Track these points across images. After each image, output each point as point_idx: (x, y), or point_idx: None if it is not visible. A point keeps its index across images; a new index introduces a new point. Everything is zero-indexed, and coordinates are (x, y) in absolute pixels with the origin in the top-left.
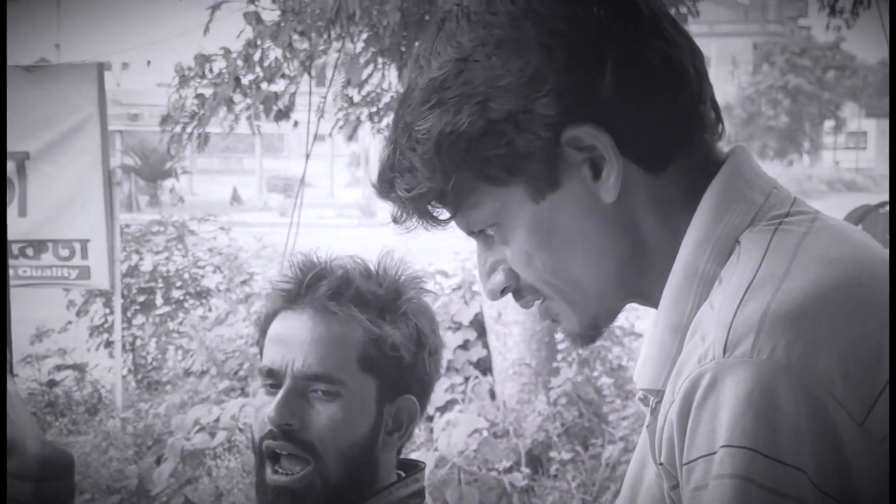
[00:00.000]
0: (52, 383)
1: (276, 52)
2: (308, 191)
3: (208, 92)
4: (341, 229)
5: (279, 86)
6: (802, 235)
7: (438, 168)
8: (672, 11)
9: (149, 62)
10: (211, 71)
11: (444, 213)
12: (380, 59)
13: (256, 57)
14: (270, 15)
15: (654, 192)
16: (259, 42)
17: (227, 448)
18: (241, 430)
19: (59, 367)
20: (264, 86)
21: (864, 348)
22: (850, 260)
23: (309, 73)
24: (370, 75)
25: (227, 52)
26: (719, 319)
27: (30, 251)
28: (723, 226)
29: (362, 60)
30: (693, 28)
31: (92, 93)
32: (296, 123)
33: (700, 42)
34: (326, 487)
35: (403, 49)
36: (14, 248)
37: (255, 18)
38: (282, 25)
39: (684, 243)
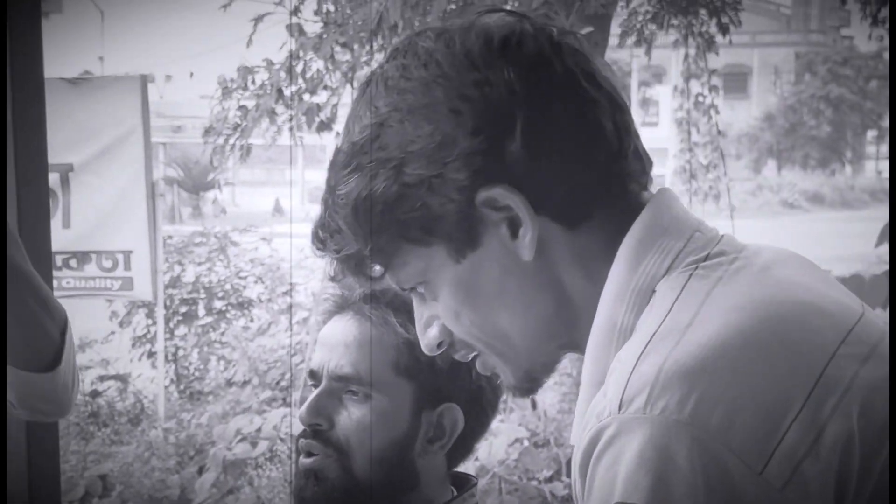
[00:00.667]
0: (94, 394)
1: (318, 64)
2: None
3: (251, 103)
4: None
5: (321, 97)
6: (716, 281)
7: (359, 231)
8: (713, 21)
9: (192, 74)
10: (253, 82)
11: (378, 271)
12: None
13: (299, 68)
14: (313, 27)
15: (575, 248)
16: (301, 53)
17: (268, 458)
18: (282, 440)
19: (102, 378)
20: (307, 97)
21: (762, 397)
22: (759, 305)
23: (351, 85)
24: None
25: (269, 63)
26: (619, 374)
27: (73, 262)
28: (638, 276)
29: None
30: (735, 38)
31: (135, 105)
32: (337, 134)
33: (742, 52)
34: (350, 477)
35: None
36: (58, 260)
37: (297, 30)
38: (324, 37)
39: (602, 298)
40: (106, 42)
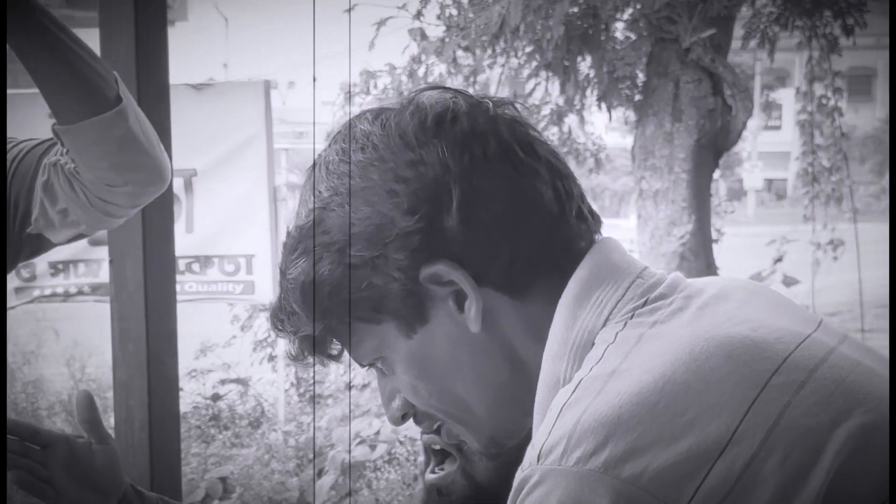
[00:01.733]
0: (216, 397)
1: (440, 68)
2: None
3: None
4: None
5: None
6: (650, 326)
7: (309, 313)
8: (838, 23)
9: (315, 79)
10: (375, 87)
11: (337, 349)
12: (542, 73)
13: (421, 73)
14: (435, 31)
15: (523, 315)
16: (423, 58)
17: (387, 461)
18: (401, 442)
19: (223, 381)
20: None
21: (682, 441)
22: (684, 346)
23: (473, 88)
24: (533, 89)
25: (391, 67)
26: (545, 424)
27: (196, 266)
28: (575, 332)
29: (525, 74)
30: (860, 40)
31: (258, 110)
32: None
33: (867, 54)
34: (472, 485)
35: (567, 63)
36: (181, 264)
37: (420, 34)
38: (446, 41)
39: (544, 357)
40: (230, 49)
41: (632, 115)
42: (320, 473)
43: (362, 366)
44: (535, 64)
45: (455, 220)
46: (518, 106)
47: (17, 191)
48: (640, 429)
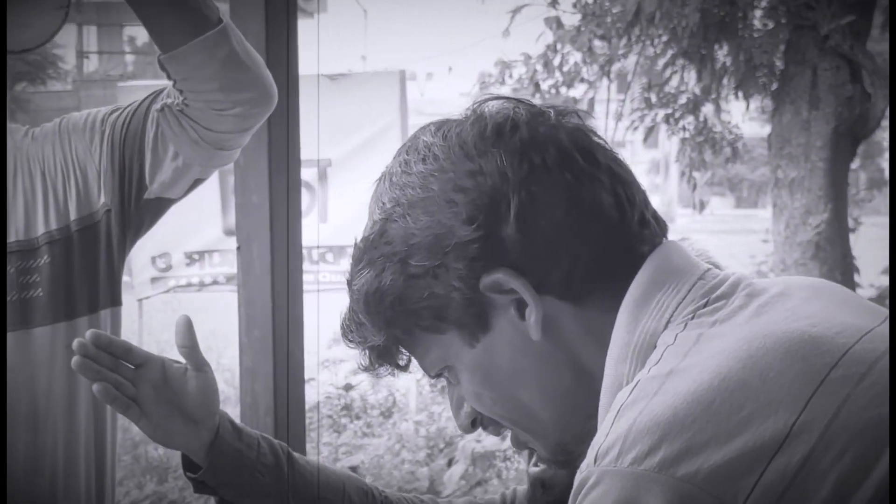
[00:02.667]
0: (348, 387)
1: (575, 57)
2: None
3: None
4: None
5: (578, 90)
6: (709, 326)
7: (375, 323)
8: None
9: (450, 69)
10: (510, 76)
11: (405, 358)
12: (678, 61)
13: (556, 62)
14: (570, 19)
15: (584, 321)
16: (559, 46)
17: (516, 450)
18: None
19: (355, 371)
20: (563, 90)
21: (739, 438)
22: (741, 345)
23: (608, 77)
24: (669, 78)
25: (527, 57)
26: (603, 426)
27: (330, 256)
28: (637, 336)
29: (661, 63)
30: None
31: (394, 100)
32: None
33: None
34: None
35: (703, 51)
36: (314, 254)
37: (555, 23)
38: (582, 29)
39: (606, 362)
40: (369, 40)
41: (769, 104)
42: (450, 463)
43: (431, 376)
44: (671, 52)
45: (513, 229)
46: (582, 114)
47: (130, 155)
48: (696, 427)
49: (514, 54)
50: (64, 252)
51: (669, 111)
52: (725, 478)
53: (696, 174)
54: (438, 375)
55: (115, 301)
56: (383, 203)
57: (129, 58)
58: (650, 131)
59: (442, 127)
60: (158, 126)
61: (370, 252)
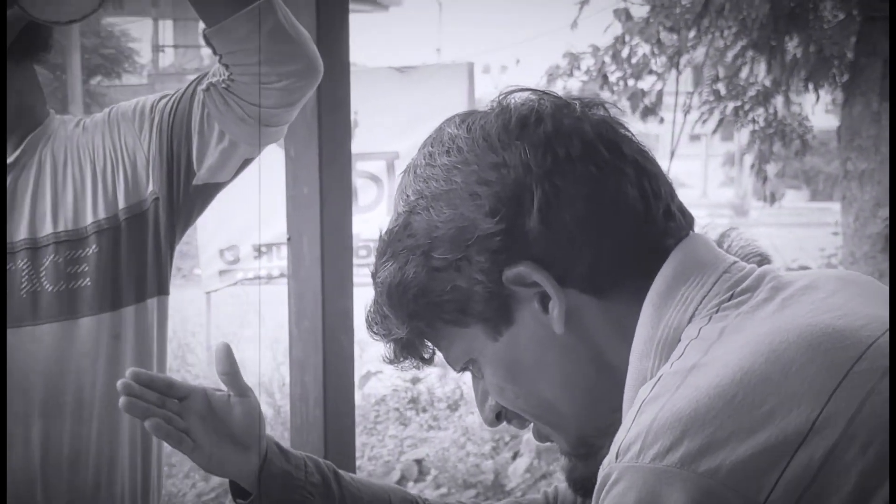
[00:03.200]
0: (415, 380)
1: (644, 48)
2: (681, 191)
3: (575, 89)
4: (714, 229)
5: (646, 82)
6: (734, 319)
7: (398, 316)
8: None
9: (517, 61)
10: (578, 69)
11: (429, 352)
12: (748, 53)
13: (624, 53)
14: (639, 10)
15: (608, 315)
16: (627, 38)
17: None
18: None
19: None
20: (631, 82)
21: (761, 433)
22: (764, 339)
23: (676, 69)
24: (738, 69)
25: (595, 49)
26: (624, 422)
27: None
28: (661, 330)
29: (730, 55)
30: None
31: (462, 93)
32: (661, 120)
33: None
34: None
35: (773, 43)
36: None
37: (624, 15)
38: (650, 21)
39: (630, 358)
40: (443, 33)
41: (840, 96)
42: (515, 456)
43: (456, 370)
44: (740, 44)
45: (536, 222)
46: (608, 106)
47: (178, 141)
48: (718, 422)
49: (581, 45)
50: (112, 241)
51: (739, 103)
52: (748, 473)
53: (766, 167)
54: (464, 369)
55: (162, 290)
56: (407, 195)
57: (205, 51)
58: (719, 124)
59: (467, 119)
60: (205, 107)
61: (394, 244)
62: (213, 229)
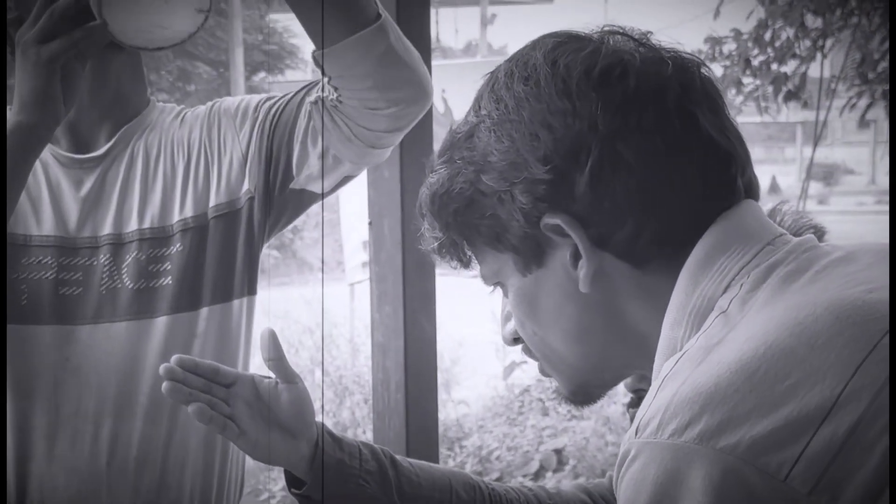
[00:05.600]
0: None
1: (787, 32)
2: (849, 178)
3: (717, 74)
4: (881, 216)
5: (789, 66)
6: (765, 291)
7: (435, 223)
8: None
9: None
10: (721, 53)
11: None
12: None
13: (767, 37)
14: None
15: (642, 284)
16: (770, 22)
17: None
18: None
19: None
20: (774, 66)
21: (784, 408)
22: (790, 312)
23: (821, 52)
24: (885, 52)
25: (737, 33)
26: (647, 397)
27: None
28: (695, 299)
29: (878, 37)
30: None
31: None
32: (805, 103)
33: None
34: None
35: None
36: None
37: None
38: (794, 4)
39: (663, 325)
40: (583, 19)
41: None
42: None
43: (487, 284)
44: (888, 26)
45: (585, 182)
46: (705, 69)
47: (279, 143)
48: (738, 397)
49: (724, 30)
50: (198, 239)
51: (887, 87)
52: (768, 448)
53: None
54: (494, 287)
55: (251, 290)
56: (479, 107)
57: None
58: (868, 108)
59: (557, 49)
60: (311, 119)
61: (453, 150)
62: (355, 221)
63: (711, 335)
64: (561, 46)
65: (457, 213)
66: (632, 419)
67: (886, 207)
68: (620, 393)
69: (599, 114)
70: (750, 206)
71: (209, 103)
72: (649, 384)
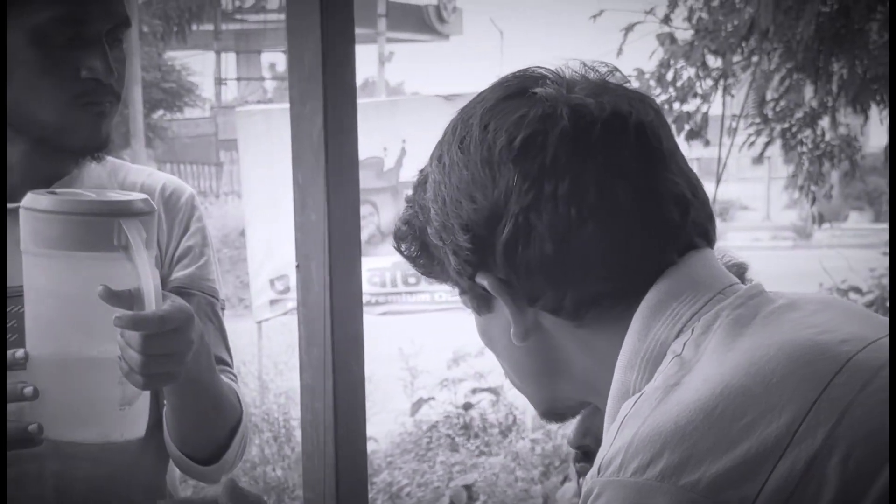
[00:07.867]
0: (467, 406)
1: (689, 72)
2: (743, 214)
3: None
4: (776, 251)
5: (691, 105)
6: (717, 334)
7: (411, 244)
8: None
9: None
10: None
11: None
12: (794, 75)
13: (669, 77)
14: (683, 34)
15: (579, 337)
16: (672, 62)
17: None
18: None
19: (474, 391)
20: (676, 105)
21: (742, 445)
22: (745, 353)
23: (723, 92)
24: (784, 92)
25: (640, 73)
26: (607, 437)
27: None
28: (648, 343)
29: (776, 77)
30: None
31: None
32: (707, 143)
33: None
34: None
35: (820, 65)
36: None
37: (668, 38)
38: (695, 44)
39: (615, 369)
40: (504, 62)
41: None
42: (564, 480)
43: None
44: (786, 67)
45: (500, 252)
46: (656, 107)
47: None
48: (697, 435)
49: (627, 69)
50: None
51: (786, 125)
52: (728, 485)
53: (814, 188)
54: None
55: None
56: (432, 156)
57: (270, 84)
58: (766, 146)
59: (494, 108)
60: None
61: (415, 192)
62: (262, 259)
63: (669, 376)
64: (498, 106)
65: (416, 252)
66: (578, 473)
67: (781, 243)
68: (529, 428)
69: (515, 186)
70: (703, 254)
71: None
72: (593, 440)
